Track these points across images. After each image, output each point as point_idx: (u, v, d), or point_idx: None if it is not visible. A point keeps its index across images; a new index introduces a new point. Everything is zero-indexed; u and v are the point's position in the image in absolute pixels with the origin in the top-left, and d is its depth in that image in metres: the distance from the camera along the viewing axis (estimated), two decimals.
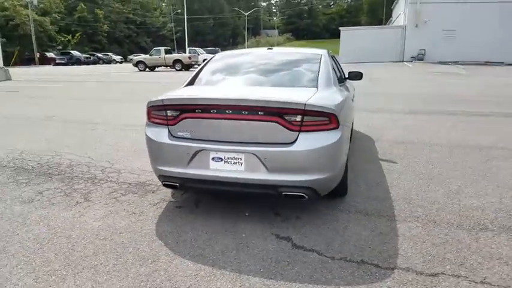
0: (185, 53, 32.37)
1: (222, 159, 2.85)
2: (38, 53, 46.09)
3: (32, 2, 44.00)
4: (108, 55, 52.32)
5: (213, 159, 2.87)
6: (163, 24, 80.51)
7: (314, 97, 2.92)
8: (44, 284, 2.27)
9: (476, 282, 2.25)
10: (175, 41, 73.22)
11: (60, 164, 4.73)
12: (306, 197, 2.85)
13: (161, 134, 3.03)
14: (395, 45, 31.60)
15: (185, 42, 45.72)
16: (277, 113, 2.75)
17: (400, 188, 3.79)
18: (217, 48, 37.73)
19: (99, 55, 50.91)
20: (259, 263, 2.49)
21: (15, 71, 27.86)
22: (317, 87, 3.28)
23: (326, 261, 2.50)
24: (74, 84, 17.54)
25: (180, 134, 2.98)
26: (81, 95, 13.16)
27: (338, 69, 4.44)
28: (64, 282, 2.28)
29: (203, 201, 3.49)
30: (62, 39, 55.44)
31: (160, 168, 3.09)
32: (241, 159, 2.82)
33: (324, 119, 2.79)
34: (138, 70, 27.57)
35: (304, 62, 3.77)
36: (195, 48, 34.25)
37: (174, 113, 2.97)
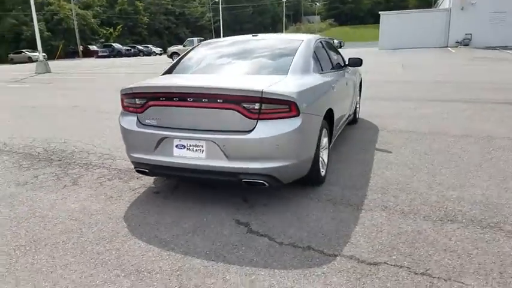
0: None
1: (184, 147, 2.98)
2: (81, 46, 48.42)
3: None
4: (148, 47, 53.92)
5: (176, 146, 3.00)
6: (202, 14, 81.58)
7: (275, 84, 2.96)
8: (6, 257, 2.53)
9: (416, 273, 2.23)
10: (213, 31, 74.07)
11: (64, 150, 5.08)
12: (267, 184, 2.91)
13: (131, 122, 3.20)
14: (439, 29, 30.14)
15: (222, 32, 46.16)
16: (236, 100, 2.82)
17: (383, 178, 3.74)
18: None
19: (140, 47, 52.60)
20: (209, 246, 2.60)
21: (58, 63, 29.57)
22: (287, 74, 3.30)
23: (273, 246, 2.56)
24: (107, 76, 18.36)
25: (147, 121, 3.13)
26: (110, 86, 13.79)
27: (328, 55, 4.40)
28: (24, 256, 2.52)
29: (180, 187, 3.64)
30: (104, 32, 57.86)
31: (131, 154, 3.27)
32: (202, 146, 2.93)
33: (283, 106, 2.83)
34: (172, 61, 28.28)
35: (282, 49, 3.79)
36: None
37: (142, 101, 3.13)
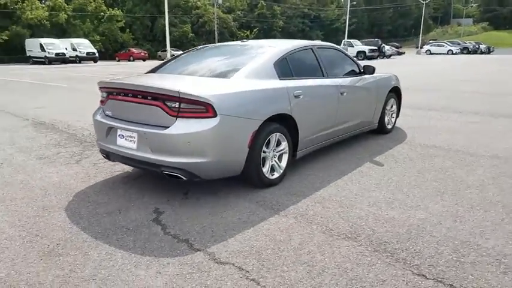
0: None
1: (123, 137, 3.42)
2: None
3: (217, 1, 50.89)
4: None
5: (118, 136, 3.46)
6: (338, 17, 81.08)
7: (199, 86, 3.22)
8: None
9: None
10: (346, 33, 72.98)
11: None
12: (184, 178, 3.17)
13: (98, 112, 3.79)
14: None
15: (350, 34, 45.32)
16: (160, 98, 3.15)
17: (335, 189, 3.59)
18: (376, 40, 36.28)
19: None
20: (108, 225, 3.00)
21: None
22: (231, 78, 3.47)
23: (158, 235, 2.80)
24: None
25: (107, 112, 3.68)
26: None
27: (319, 63, 4.32)
28: None
29: (149, 175, 4.07)
30: (242, 34, 62.31)
31: (96, 141, 3.87)
32: (134, 138, 3.33)
33: (200, 107, 3.05)
34: None
35: (248, 55, 3.92)
36: (350, 40, 33.94)
37: (104, 95, 3.68)
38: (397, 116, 6.08)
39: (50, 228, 2.94)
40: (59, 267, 2.41)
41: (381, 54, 35.77)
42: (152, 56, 47.44)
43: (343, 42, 32.96)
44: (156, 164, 3.20)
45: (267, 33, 66.59)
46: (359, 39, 38.98)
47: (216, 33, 52.10)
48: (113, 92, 3.55)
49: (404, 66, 25.71)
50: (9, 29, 41.32)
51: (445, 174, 3.98)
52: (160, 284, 2.22)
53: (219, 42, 53.43)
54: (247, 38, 61.43)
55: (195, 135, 3.03)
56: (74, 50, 39.30)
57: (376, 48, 34.03)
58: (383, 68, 21.60)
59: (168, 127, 3.09)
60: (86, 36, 45.27)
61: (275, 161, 3.73)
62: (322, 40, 66.18)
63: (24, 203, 3.41)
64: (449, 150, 4.86)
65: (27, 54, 39.63)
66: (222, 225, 2.92)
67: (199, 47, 4.88)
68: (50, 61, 37.03)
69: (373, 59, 33.11)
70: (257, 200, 3.39)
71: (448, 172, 4.05)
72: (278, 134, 3.65)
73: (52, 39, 39.64)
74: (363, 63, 5.22)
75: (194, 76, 3.75)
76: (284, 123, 3.71)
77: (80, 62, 38.51)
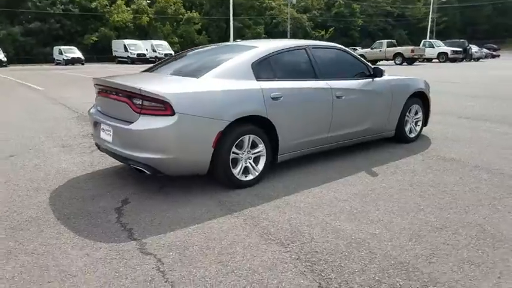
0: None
1: (104, 130, 3.75)
2: None
3: (291, 1, 51.12)
4: (356, 49, 54.79)
5: (101, 129, 3.80)
6: (425, 15, 76.45)
7: (162, 85, 3.44)
8: None
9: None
10: (434, 33, 68.59)
11: None
12: (147, 172, 3.40)
13: (92, 108, 4.17)
14: None
15: (440, 34, 42.58)
16: (127, 96, 3.42)
17: (305, 196, 3.57)
18: (462, 41, 33.54)
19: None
20: (68, 210, 3.33)
21: None
22: (200, 77, 3.61)
23: (111, 224, 3.04)
24: None
25: (97, 108, 4.04)
26: None
27: (312, 65, 4.27)
28: None
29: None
30: (317, 34, 61.83)
31: (91, 133, 4.26)
32: (110, 131, 3.63)
33: (159, 104, 3.25)
34: None
35: (230, 54, 4.00)
36: (431, 40, 31.87)
37: (96, 91, 4.05)
38: (425, 124, 5.71)
39: (28, 206, 3.35)
40: (14, 239, 2.78)
41: (467, 56, 32.93)
42: None
43: (422, 42, 31.01)
44: (125, 157, 3.47)
45: (343, 32, 65.24)
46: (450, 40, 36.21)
47: (288, 33, 52.31)
48: (100, 89, 3.90)
49: (483, 70, 23.54)
50: (98, 31, 45.70)
51: (439, 191, 3.70)
52: (80, 264, 2.45)
53: None
54: (322, 37, 60.81)
55: (153, 131, 3.24)
56: (154, 51, 42.23)
57: (460, 49, 31.38)
58: (450, 71, 20.11)
59: (132, 122, 3.34)
60: (165, 38, 48.38)
61: (249, 163, 3.78)
62: (407, 40, 63.11)
63: (23, 184, 3.90)
64: (466, 165, 4.47)
65: (113, 54, 43.50)
66: (171, 220, 3.08)
67: (198, 47, 5.08)
68: (132, 61, 40.20)
69: (457, 61, 30.76)
70: (221, 199, 3.49)
71: (445, 189, 3.76)
72: (252, 135, 3.71)
73: (135, 40, 43.06)
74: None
75: (172, 76, 3.94)
76: (260, 125, 3.75)
77: None
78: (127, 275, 2.35)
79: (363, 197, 3.55)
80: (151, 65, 4.80)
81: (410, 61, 25.57)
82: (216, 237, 2.81)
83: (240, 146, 3.67)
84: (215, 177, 3.66)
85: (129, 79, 3.91)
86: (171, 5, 51.30)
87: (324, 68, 4.39)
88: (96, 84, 3.98)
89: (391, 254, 2.57)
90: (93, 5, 45.61)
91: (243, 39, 52.22)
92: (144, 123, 3.28)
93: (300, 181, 3.96)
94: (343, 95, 4.38)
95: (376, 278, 2.31)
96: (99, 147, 4.04)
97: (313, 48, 4.41)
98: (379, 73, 4.78)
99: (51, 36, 42.98)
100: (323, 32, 61.54)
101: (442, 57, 30.56)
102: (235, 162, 3.68)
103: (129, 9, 48.36)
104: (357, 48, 54.07)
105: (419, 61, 29.26)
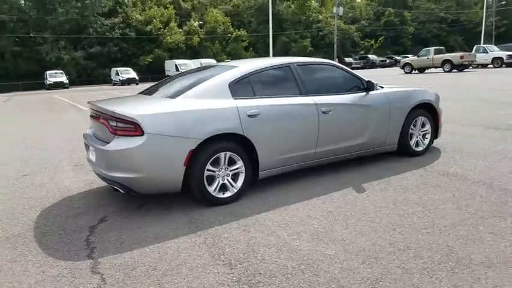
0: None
1: (91, 151, 3.93)
2: (337, 59, 52.51)
3: (337, 13, 50.58)
4: (407, 57, 52.86)
5: (90, 150, 3.99)
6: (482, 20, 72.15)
7: (134, 107, 3.56)
8: None
9: None
10: (493, 37, 64.38)
11: None
12: (122, 191, 3.52)
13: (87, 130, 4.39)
14: None
15: (500, 38, 39.95)
16: (106, 118, 3.58)
17: (277, 214, 3.49)
18: None
19: (397, 58, 52.22)
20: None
21: None
22: (177, 98, 3.70)
23: (79, 242, 3.18)
24: None
25: (90, 129, 4.26)
26: None
27: (296, 82, 4.21)
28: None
29: None
30: (366, 44, 60.54)
31: None
32: (94, 152, 3.81)
33: (129, 125, 3.38)
34: (404, 72, 27.28)
35: (211, 75, 4.05)
36: (485, 46, 29.79)
37: (90, 114, 4.27)
38: (435, 136, 5.37)
39: (16, 224, 3.58)
40: None
41: None
42: None
43: (474, 48, 29.09)
44: (104, 176, 3.62)
45: (394, 41, 63.20)
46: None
47: (335, 44, 51.66)
48: (91, 112, 4.11)
49: None
50: (153, 52, 48.11)
51: (422, 209, 3.46)
52: (32, 281, 2.57)
53: (338, 54, 53.02)
54: (372, 47, 59.37)
55: (125, 151, 3.35)
56: None
57: None
58: (501, 77, 18.48)
59: (107, 143, 3.48)
60: (214, 56, 49.81)
61: (227, 180, 3.78)
62: (464, 46, 59.70)
63: (24, 201, 4.17)
64: (467, 180, 4.13)
65: (166, 74, 45.50)
66: (136, 238, 3.15)
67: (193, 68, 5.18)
68: None
69: None
70: (194, 217, 3.51)
71: (430, 207, 3.50)
72: (229, 153, 3.71)
73: (185, 60, 44.79)
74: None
75: (156, 98, 4.06)
76: (237, 142, 3.75)
77: None
78: None
79: (336, 215, 3.40)
80: (153, 84, 4.95)
81: (460, 68, 24.14)
82: (169, 257, 2.82)
83: (216, 163, 3.68)
84: (190, 195, 3.70)
85: (112, 102, 4.06)
86: (220, 25, 52.86)
87: (310, 84, 4.31)
88: (90, 108, 4.20)
89: (336, 277, 2.44)
90: (148, 28, 48.16)
91: (288, 54, 52.73)
92: (117, 144, 3.40)
93: (282, 198, 3.88)
94: (330, 110, 4.25)
95: None
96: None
97: (298, 65, 4.34)
98: (371, 86, 4.61)
99: (110, 58, 45.89)
100: (372, 42, 60.09)
101: (497, 62, 28.46)
102: (212, 179, 3.69)
103: (181, 30, 50.49)
104: (408, 56, 52.30)
105: (473, 67, 27.55)
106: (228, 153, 3.71)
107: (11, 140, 8.39)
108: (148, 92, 4.47)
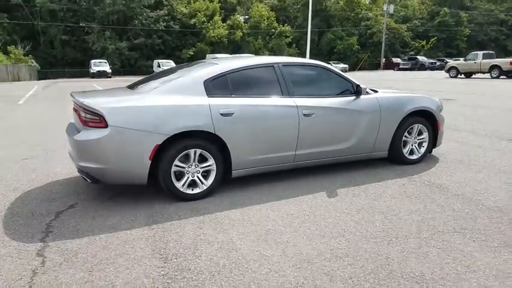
0: None
1: (68, 141, 4.15)
2: (384, 59, 51.12)
3: (388, 11, 49.16)
4: (458, 60, 50.43)
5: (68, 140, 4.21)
6: None
7: (102, 99, 3.77)
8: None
9: None
10: None
11: None
12: (88, 180, 3.73)
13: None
14: None
15: None
16: (79, 109, 3.78)
17: (239, 214, 3.56)
18: None
19: (448, 60, 49.98)
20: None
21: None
22: (150, 92, 3.88)
23: (33, 226, 3.41)
24: None
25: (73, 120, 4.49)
26: None
27: (279, 82, 4.23)
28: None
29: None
30: (416, 44, 58.36)
31: None
32: (68, 141, 4.03)
33: (96, 117, 3.56)
34: (449, 77, 26.13)
35: (192, 71, 4.17)
36: None
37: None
38: (433, 145, 5.20)
39: None
40: None
41: None
42: None
43: None
44: (75, 166, 3.85)
45: (447, 43, 60.47)
46: None
47: (383, 44, 50.27)
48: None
49: None
50: (195, 45, 49.15)
51: (383, 218, 3.41)
52: None
53: (386, 53, 51.58)
54: (423, 47, 57.15)
55: (89, 142, 3.54)
56: None
57: None
58: None
59: (78, 134, 3.70)
60: (256, 51, 50.09)
61: (198, 176, 3.89)
62: None
63: (11, 183, 4.47)
64: (447, 193, 4.00)
65: None
66: (93, 227, 3.32)
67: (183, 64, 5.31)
68: None
69: None
70: (156, 211, 3.64)
71: (392, 217, 3.43)
72: (200, 150, 3.82)
73: (225, 54, 45.36)
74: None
75: (131, 91, 4.19)
76: (209, 140, 3.86)
77: None
78: (5, 273, 2.63)
79: (295, 218, 3.43)
80: (143, 78, 5.11)
81: (510, 74, 22.77)
82: (112, 247, 2.95)
83: (185, 160, 3.80)
84: (161, 189, 3.85)
85: (88, 94, 4.18)
86: (264, 20, 53.01)
87: (295, 85, 4.30)
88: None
89: (259, 278, 2.49)
90: (192, 21, 49.22)
91: (333, 51, 51.91)
92: (85, 135, 3.59)
93: (253, 198, 3.93)
94: (313, 113, 4.25)
95: None
96: None
97: (284, 65, 4.34)
98: (360, 91, 4.55)
99: (153, 50, 47.41)
100: (423, 42, 57.83)
101: None
102: (181, 175, 3.83)
103: (224, 25, 51.16)
104: (460, 59, 49.85)
105: None
106: (198, 151, 3.82)
107: (34, 124, 8.96)
108: (133, 86, 4.65)
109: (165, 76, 4.41)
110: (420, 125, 4.98)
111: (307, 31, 53.41)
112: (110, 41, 44.30)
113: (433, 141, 5.18)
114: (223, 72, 4.06)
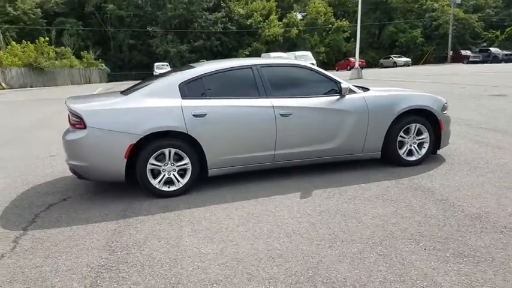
0: None
1: None
2: (452, 51, 47.99)
3: (455, 1, 46.07)
4: None
5: None
6: None
7: (84, 103, 4.07)
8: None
9: None
10: None
11: None
12: (75, 176, 4.10)
13: None
14: None
15: None
16: (70, 112, 4.15)
17: (207, 213, 3.69)
18: None
19: None
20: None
21: (409, 69, 31.77)
22: (129, 95, 4.14)
23: (17, 215, 3.82)
24: (416, 85, 18.64)
25: None
26: None
27: (256, 83, 4.29)
28: None
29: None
30: (490, 35, 54.05)
31: None
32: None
33: (77, 119, 3.91)
34: None
35: (171, 75, 4.37)
36: None
37: None
38: (436, 146, 4.92)
39: (3, 194, 4.37)
40: None
41: None
42: (373, 64, 47.49)
43: None
44: (66, 163, 4.22)
45: None
46: None
47: (449, 35, 47.19)
48: None
49: None
50: (251, 45, 49.86)
51: (343, 221, 3.34)
52: None
53: (454, 46, 48.39)
54: (497, 38, 52.79)
55: (73, 142, 3.91)
56: None
57: None
58: None
59: (67, 134, 4.07)
60: (312, 48, 49.54)
61: (174, 174, 4.09)
62: None
63: (26, 176, 5.02)
64: (430, 197, 3.79)
65: None
66: (71, 219, 3.64)
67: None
68: None
69: None
70: (131, 206, 3.89)
71: (353, 220, 3.36)
72: (174, 149, 4.01)
73: (280, 53, 45.38)
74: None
75: (115, 95, 4.46)
76: (183, 140, 4.04)
77: None
78: None
79: (253, 218, 3.48)
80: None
81: None
82: (75, 237, 3.24)
83: (160, 159, 4.02)
84: (139, 183, 4.08)
85: (78, 98, 4.51)
86: (321, 16, 52.29)
87: (273, 86, 4.33)
88: None
89: (182, 274, 2.62)
90: (249, 21, 49.98)
91: (394, 45, 49.68)
92: (71, 135, 3.96)
93: (226, 196, 4.03)
94: (291, 113, 4.25)
95: None
96: None
97: (262, 67, 4.39)
98: (344, 90, 4.44)
99: (211, 52, 48.89)
100: (498, 33, 53.32)
101: None
102: (157, 173, 4.04)
103: (280, 23, 51.28)
104: None
105: None
106: (173, 150, 4.01)
107: None
108: (126, 90, 4.92)
109: (153, 80, 4.65)
110: (419, 125, 4.74)
111: (367, 25, 51.81)
112: (172, 44, 46.43)
113: (437, 142, 4.90)
114: (198, 75, 4.21)
